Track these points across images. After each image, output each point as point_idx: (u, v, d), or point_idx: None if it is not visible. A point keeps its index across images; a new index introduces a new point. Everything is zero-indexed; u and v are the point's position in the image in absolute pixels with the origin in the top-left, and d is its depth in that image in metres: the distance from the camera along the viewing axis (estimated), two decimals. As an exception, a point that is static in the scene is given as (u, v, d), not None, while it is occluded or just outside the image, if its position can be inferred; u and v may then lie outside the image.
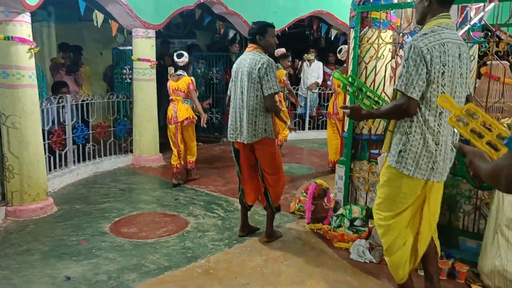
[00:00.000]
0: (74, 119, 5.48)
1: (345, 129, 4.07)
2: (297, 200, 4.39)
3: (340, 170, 4.08)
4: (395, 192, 2.50)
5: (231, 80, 3.64)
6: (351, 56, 3.92)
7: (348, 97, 3.80)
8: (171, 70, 5.41)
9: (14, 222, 4.10)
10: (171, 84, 5.27)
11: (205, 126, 5.35)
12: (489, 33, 3.24)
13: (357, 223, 3.75)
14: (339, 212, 3.87)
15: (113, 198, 4.85)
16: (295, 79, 8.99)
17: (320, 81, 8.77)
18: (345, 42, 8.17)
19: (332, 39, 8.94)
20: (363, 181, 3.91)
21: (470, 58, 2.49)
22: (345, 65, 5.07)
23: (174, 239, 3.75)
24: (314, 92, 8.69)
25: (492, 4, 3.14)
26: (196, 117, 5.41)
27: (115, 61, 6.94)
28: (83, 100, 5.67)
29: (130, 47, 6.25)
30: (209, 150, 7.41)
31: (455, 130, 2.34)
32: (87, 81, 7.49)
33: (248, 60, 3.43)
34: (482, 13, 3.52)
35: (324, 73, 8.82)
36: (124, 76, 6.60)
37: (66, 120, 5.33)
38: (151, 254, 3.46)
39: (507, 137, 1.34)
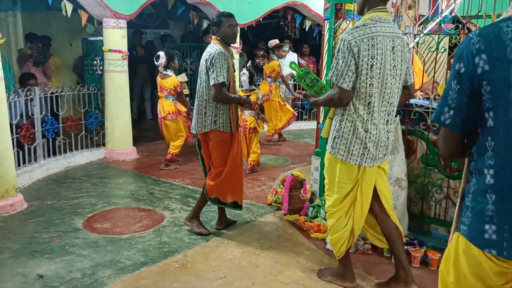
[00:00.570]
0: (43, 112, 5.32)
1: (321, 121, 4.09)
2: (274, 192, 4.41)
3: (316, 161, 4.11)
4: (334, 176, 2.68)
5: None
6: (325, 48, 3.94)
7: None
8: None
9: (-18, 220, 3.96)
10: (158, 80, 5.48)
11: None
12: (460, 25, 3.31)
13: (332, 213, 3.79)
14: (315, 203, 3.91)
15: (86, 193, 4.74)
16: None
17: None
18: (320, 33, 8.22)
19: (307, 30, 8.97)
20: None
21: (408, 49, 2.60)
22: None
23: (150, 234, 3.70)
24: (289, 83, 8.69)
25: (463, -3, 3.21)
26: (181, 111, 5.54)
27: (85, 52, 6.73)
28: (52, 93, 5.50)
29: (101, 38, 6.07)
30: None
31: (388, 119, 2.60)
32: (56, 73, 7.25)
33: (205, 52, 3.47)
34: (453, 6, 3.60)
35: (299, 64, 8.84)
36: (95, 68, 6.41)
37: (35, 113, 5.16)
38: (127, 249, 3.41)
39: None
